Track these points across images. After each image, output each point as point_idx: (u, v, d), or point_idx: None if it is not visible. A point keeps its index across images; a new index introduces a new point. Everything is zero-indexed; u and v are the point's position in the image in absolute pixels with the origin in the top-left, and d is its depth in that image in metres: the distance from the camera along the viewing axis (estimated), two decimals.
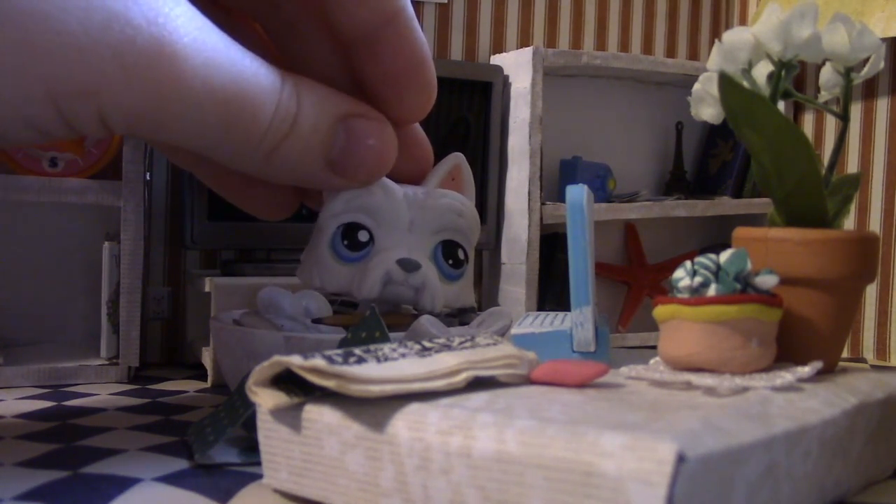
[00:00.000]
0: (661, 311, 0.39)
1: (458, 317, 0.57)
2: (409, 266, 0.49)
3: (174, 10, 0.33)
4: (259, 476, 0.39)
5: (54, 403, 0.59)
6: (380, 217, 0.50)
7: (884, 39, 0.68)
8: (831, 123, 1.02)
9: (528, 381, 0.38)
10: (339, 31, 0.41)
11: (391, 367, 0.33)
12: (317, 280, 0.51)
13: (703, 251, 0.83)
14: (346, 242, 0.50)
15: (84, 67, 0.30)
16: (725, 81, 0.38)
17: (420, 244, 0.51)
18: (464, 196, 0.53)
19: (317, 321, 0.52)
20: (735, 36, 0.43)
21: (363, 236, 0.50)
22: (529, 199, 0.90)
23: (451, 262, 0.52)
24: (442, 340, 0.38)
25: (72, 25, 0.30)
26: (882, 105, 0.96)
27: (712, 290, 0.37)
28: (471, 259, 0.54)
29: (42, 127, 0.32)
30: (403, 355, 0.35)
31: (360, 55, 0.41)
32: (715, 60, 0.45)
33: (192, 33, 0.33)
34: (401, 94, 0.42)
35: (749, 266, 0.38)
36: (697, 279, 0.38)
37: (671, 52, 1.14)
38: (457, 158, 0.54)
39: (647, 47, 1.12)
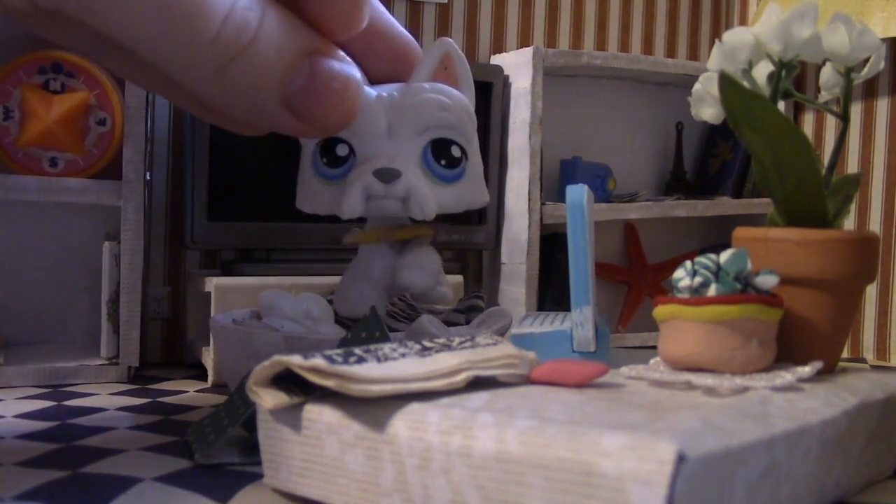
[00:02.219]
0: (661, 311, 0.39)
1: (465, 314, 0.57)
2: (387, 176, 0.45)
3: None
4: (259, 476, 0.39)
5: (54, 403, 0.59)
6: (356, 127, 0.45)
7: (884, 39, 0.68)
8: (831, 123, 1.02)
9: (528, 381, 0.38)
10: None
11: (391, 366, 0.33)
12: (306, 206, 0.47)
13: (703, 251, 0.83)
14: (324, 160, 0.46)
15: None
16: (725, 81, 0.38)
17: (404, 149, 0.46)
18: (457, 87, 0.48)
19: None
20: (735, 36, 0.43)
21: (342, 150, 0.46)
22: (529, 199, 0.90)
23: (443, 162, 0.47)
24: (442, 340, 0.38)
25: None
26: (882, 105, 0.96)
27: (712, 290, 0.37)
28: (473, 153, 0.48)
29: None
30: (403, 355, 0.35)
31: None
32: (715, 60, 0.45)
33: None
34: None
35: (749, 266, 0.38)
36: (697, 279, 0.38)
37: (671, 52, 1.14)
38: (444, 44, 0.48)
39: (647, 47, 1.12)
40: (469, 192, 0.48)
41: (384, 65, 0.43)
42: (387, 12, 0.43)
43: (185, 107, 0.40)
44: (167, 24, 0.31)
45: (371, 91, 0.45)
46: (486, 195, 0.50)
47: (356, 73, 0.36)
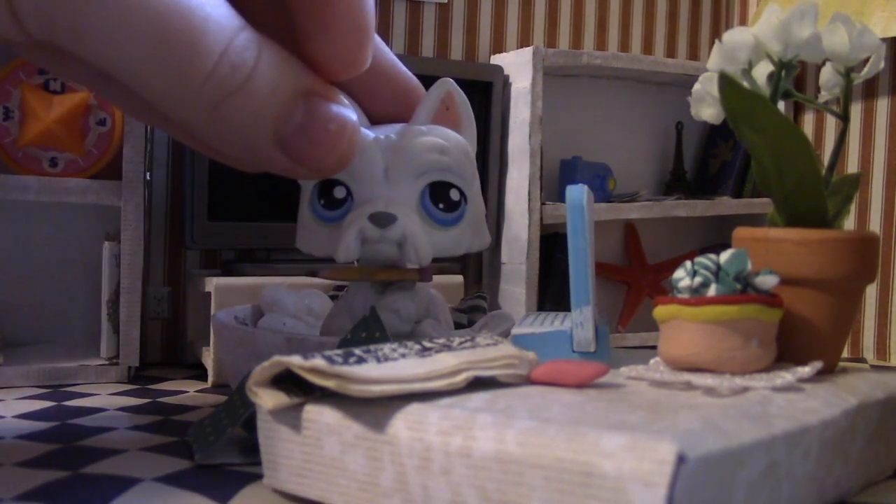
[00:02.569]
0: (661, 311, 0.39)
1: (468, 314, 0.57)
2: (381, 220, 0.44)
3: None
4: (259, 476, 0.39)
5: (54, 403, 0.59)
6: (354, 169, 0.45)
7: (884, 39, 0.68)
8: (831, 123, 1.02)
9: (528, 381, 0.38)
10: None
11: (391, 367, 0.33)
12: (303, 245, 0.47)
13: (703, 251, 0.83)
14: (322, 202, 0.46)
15: None
16: (725, 81, 0.38)
17: (402, 192, 0.46)
18: (459, 127, 0.47)
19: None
20: (735, 36, 0.43)
21: (339, 193, 0.45)
22: (529, 199, 0.90)
23: (441, 205, 0.46)
24: (442, 340, 0.38)
25: None
26: (882, 105, 0.96)
27: (712, 291, 0.37)
28: (473, 196, 0.47)
29: None
30: (403, 355, 0.35)
31: None
32: (715, 60, 0.45)
33: None
34: (328, 36, 0.37)
35: (749, 266, 0.38)
36: (697, 279, 0.38)
37: (671, 52, 1.14)
38: (445, 84, 0.47)
39: (647, 47, 1.12)
40: (468, 236, 0.47)
41: (386, 105, 0.43)
42: (389, 51, 0.42)
43: (184, 141, 0.40)
44: (161, 60, 0.31)
45: (369, 133, 0.45)
46: (488, 238, 0.49)
47: (353, 115, 0.36)
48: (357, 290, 0.48)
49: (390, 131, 0.45)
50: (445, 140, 0.46)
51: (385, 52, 0.42)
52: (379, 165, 0.45)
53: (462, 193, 0.46)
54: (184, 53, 0.31)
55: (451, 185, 0.46)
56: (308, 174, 0.36)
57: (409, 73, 0.43)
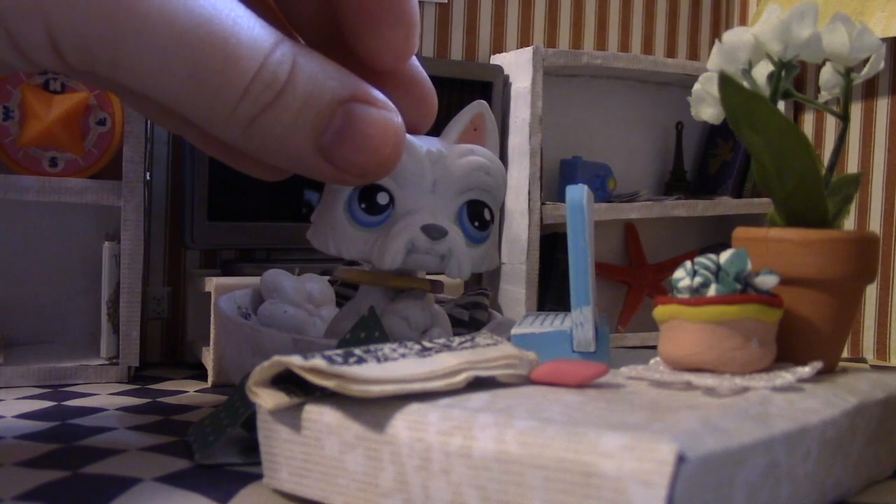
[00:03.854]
0: (661, 311, 0.39)
1: (469, 310, 0.57)
2: (435, 233, 0.45)
3: None
4: (259, 476, 0.39)
5: (54, 403, 0.59)
6: (401, 177, 0.45)
7: (884, 39, 0.67)
8: (831, 123, 1.02)
9: (528, 381, 0.38)
10: None
11: (391, 367, 0.33)
12: (332, 247, 0.46)
13: (703, 251, 0.83)
14: (363, 206, 0.46)
15: None
16: (725, 81, 0.38)
17: (444, 206, 0.47)
18: (488, 148, 0.49)
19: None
20: (735, 36, 0.43)
21: (383, 199, 0.46)
22: (529, 199, 0.90)
23: (476, 223, 0.48)
24: (442, 340, 0.38)
25: None
26: (882, 105, 0.96)
27: (712, 291, 0.37)
28: (496, 219, 0.50)
29: None
30: (403, 355, 0.35)
31: None
32: (715, 60, 0.45)
33: None
34: (378, 28, 0.37)
35: (749, 266, 0.38)
36: (697, 279, 0.38)
37: (671, 52, 1.14)
38: (480, 106, 0.49)
39: (647, 47, 1.12)
40: (490, 254, 0.49)
41: (409, 108, 0.43)
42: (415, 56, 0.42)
43: (218, 156, 0.41)
44: (196, 85, 0.31)
45: (420, 144, 0.45)
46: (497, 260, 0.51)
47: (397, 118, 0.36)
48: (367, 294, 0.48)
49: (437, 145, 0.46)
50: (490, 161, 0.48)
51: (415, 59, 0.42)
52: (428, 177, 0.46)
53: (492, 214, 0.48)
54: (218, 77, 0.31)
55: (485, 205, 0.48)
56: (354, 180, 0.37)
57: (427, 78, 0.44)
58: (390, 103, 0.36)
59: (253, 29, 0.32)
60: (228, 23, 0.31)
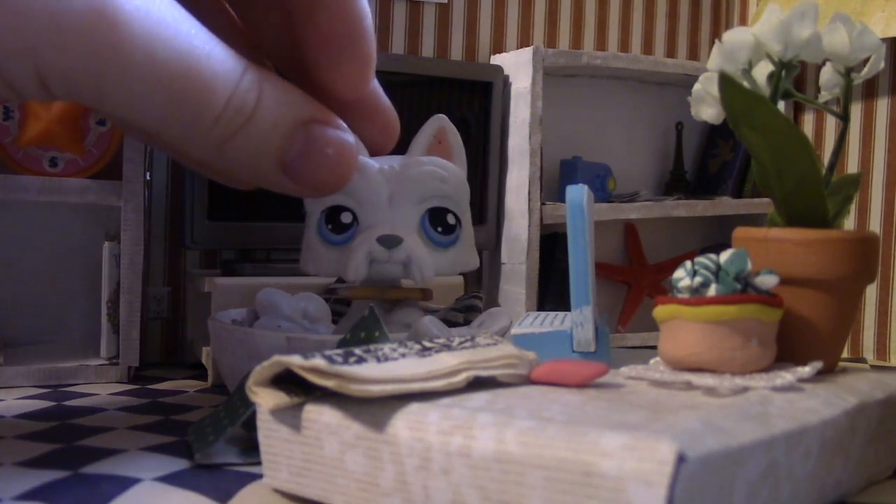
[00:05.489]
0: (661, 311, 0.39)
1: (464, 313, 0.57)
2: (389, 242, 0.49)
3: None
4: (259, 476, 0.39)
5: (54, 403, 0.59)
6: (359, 196, 0.50)
7: (884, 39, 0.67)
8: (831, 123, 1.02)
9: (528, 381, 0.38)
10: None
11: (391, 367, 0.33)
12: (311, 268, 0.51)
13: (703, 251, 0.83)
14: (329, 226, 0.50)
15: (20, 26, 0.31)
16: (725, 81, 0.38)
17: (404, 217, 0.51)
18: (451, 159, 0.52)
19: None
20: (735, 36, 0.43)
21: (346, 218, 0.50)
22: (529, 199, 0.90)
23: (440, 229, 0.51)
24: (442, 340, 0.38)
25: None
26: (882, 105, 0.96)
27: (712, 290, 0.37)
28: (465, 221, 0.53)
29: None
30: (403, 355, 0.35)
31: (300, 20, 0.41)
32: (715, 60, 0.45)
33: (137, 1, 0.32)
34: (336, 62, 0.41)
35: (749, 266, 0.38)
36: (697, 279, 0.38)
37: (671, 52, 1.14)
38: (439, 121, 0.53)
39: (647, 47, 1.12)
40: (462, 257, 0.53)
41: (367, 133, 0.46)
42: (378, 84, 0.46)
43: (191, 167, 0.44)
44: (174, 112, 0.34)
45: (374, 163, 0.49)
46: (477, 259, 0.54)
47: (351, 138, 0.39)
48: (360, 309, 0.52)
49: (392, 162, 0.50)
50: (444, 170, 0.51)
51: (375, 84, 0.46)
52: (384, 192, 0.50)
53: (457, 218, 0.52)
54: (194, 106, 0.34)
55: (448, 211, 0.52)
56: (311, 194, 0.40)
57: (389, 104, 0.47)
58: (343, 123, 0.40)
59: (226, 61, 0.35)
60: (203, 55, 0.34)
